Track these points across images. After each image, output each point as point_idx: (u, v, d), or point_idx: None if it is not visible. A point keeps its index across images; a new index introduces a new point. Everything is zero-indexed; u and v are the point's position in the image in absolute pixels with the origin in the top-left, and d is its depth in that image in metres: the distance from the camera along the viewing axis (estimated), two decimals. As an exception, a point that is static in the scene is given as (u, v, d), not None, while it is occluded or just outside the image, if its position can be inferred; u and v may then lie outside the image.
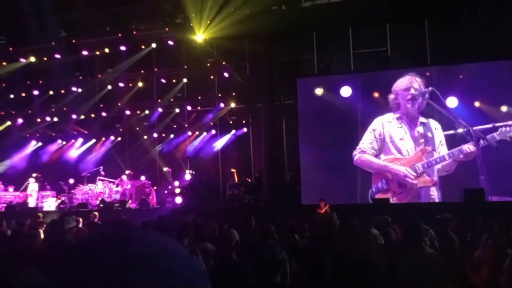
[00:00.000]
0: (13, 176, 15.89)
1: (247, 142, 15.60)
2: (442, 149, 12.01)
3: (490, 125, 11.46)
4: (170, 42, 14.92)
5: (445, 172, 11.89)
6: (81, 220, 7.95)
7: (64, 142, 17.27)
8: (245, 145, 15.58)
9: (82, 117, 16.56)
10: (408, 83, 12.04)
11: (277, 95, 14.53)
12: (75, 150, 17.05)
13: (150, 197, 14.17)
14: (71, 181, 15.15)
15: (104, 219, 8.42)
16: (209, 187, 14.03)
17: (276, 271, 3.53)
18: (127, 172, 14.95)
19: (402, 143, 12.20)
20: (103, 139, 16.84)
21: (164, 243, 0.58)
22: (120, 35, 15.11)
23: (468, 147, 11.44)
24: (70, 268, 0.54)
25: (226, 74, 15.23)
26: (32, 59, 15.60)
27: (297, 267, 2.82)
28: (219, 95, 15.72)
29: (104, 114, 16.46)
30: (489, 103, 11.83)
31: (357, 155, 12.47)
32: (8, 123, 16.98)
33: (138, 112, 16.34)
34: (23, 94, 16.62)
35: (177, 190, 13.83)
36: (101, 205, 13.25)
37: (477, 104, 11.92)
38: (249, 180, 14.03)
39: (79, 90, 16.32)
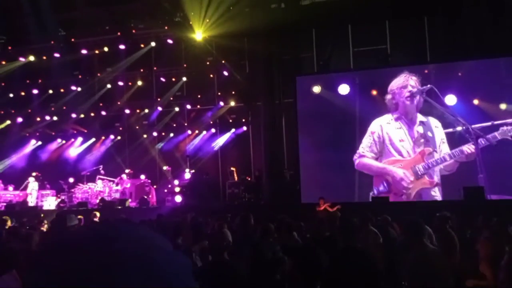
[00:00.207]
0: (13, 175, 15.91)
1: (246, 140, 15.61)
2: (443, 148, 11.93)
3: (489, 123, 11.42)
4: (169, 41, 14.91)
5: (447, 172, 11.83)
6: (82, 218, 7.99)
7: (63, 141, 17.29)
8: (244, 143, 15.58)
9: (82, 116, 16.57)
10: (404, 81, 12.00)
11: (276, 94, 14.52)
12: (75, 149, 17.05)
13: (150, 196, 14.18)
14: (71, 180, 15.17)
15: (104, 218, 8.43)
16: (208, 185, 14.02)
17: (275, 269, 3.54)
18: (127, 171, 14.97)
19: (402, 145, 12.15)
20: (103, 138, 16.85)
21: (150, 240, 0.58)
22: (119, 34, 15.11)
23: (469, 148, 11.39)
24: (55, 267, 0.54)
25: (225, 73, 15.23)
26: (32, 58, 15.60)
27: (291, 265, 2.82)
28: (219, 93, 15.72)
29: (103, 113, 16.47)
30: (488, 100, 11.80)
31: (357, 159, 12.45)
32: (8, 122, 16.99)
33: (138, 111, 16.35)
34: (23, 93, 16.63)
35: (177, 189, 13.84)
36: (101, 204, 13.26)
37: (476, 101, 11.88)
38: (249, 179, 14.03)
39: (79, 89, 16.33)
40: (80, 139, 17.10)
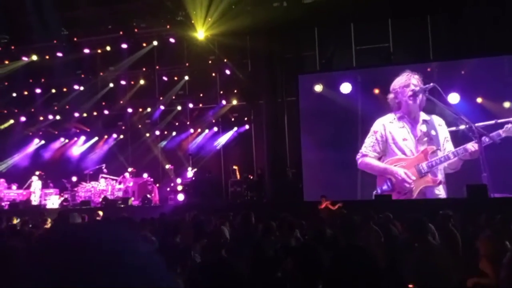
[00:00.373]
0: (16, 174, 15.99)
1: (249, 139, 15.61)
2: (447, 146, 11.87)
3: (492, 122, 11.35)
4: (172, 40, 14.91)
5: (451, 170, 11.77)
6: (86, 217, 8.03)
7: (66, 140, 17.34)
8: (247, 142, 15.59)
9: (85, 115, 16.60)
10: (407, 79, 11.94)
11: (279, 92, 14.50)
12: (78, 148, 17.11)
13: (153, 195, 14.21)
14: (74, 178, 15.23)
15: (106, 216, 8.45)
16: (211, 184, 14.04)
17: (276, 267, 3.54)
18: (129, 169, 15.00)
19: (405, 144, 12.10)
20: (106, 137, 16.89)
21: (124, 241, 0.57)
22: (121, 33, 15.13)
23: (473, 146, 11.31)
24: (28, 267, 0.54)
25: (227, 71, 15.22)
26: (34, 57, 15.65)
27: (292, 264, 2.82)
28: (221, 92, 15.72)
29: (106, 112, 16.50)
30: (491, 99, 11.73)
31: (359, 159, 12.41)
32: (11, 121, 17.06)
33: (140, 109, 16.37)
34: (26, 93, 16.68)
35: (179, 187, 13.84)
36: (104, 203, 13.30)
37: (479, 100, 11.82)
38: (251, 177, 14.02)
39: (81, 88, 16.37)
40: (83, 138, 17.15)
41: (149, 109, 16.31)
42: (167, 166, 15.68)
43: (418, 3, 12.68)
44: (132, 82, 16.36)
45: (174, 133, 16.39)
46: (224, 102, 15.52)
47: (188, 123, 16.27)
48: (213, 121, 15.89)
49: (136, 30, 15.10)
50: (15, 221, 7.89)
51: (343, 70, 13.90)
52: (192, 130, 16.16)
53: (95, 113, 16.63)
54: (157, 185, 15.01)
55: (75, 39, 15.46)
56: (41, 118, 16.97)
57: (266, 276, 3.45)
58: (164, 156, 16.11)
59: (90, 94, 16.40)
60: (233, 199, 13.52)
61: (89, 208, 12.39)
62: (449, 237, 5.13)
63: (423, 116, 12.08)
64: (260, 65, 14.48)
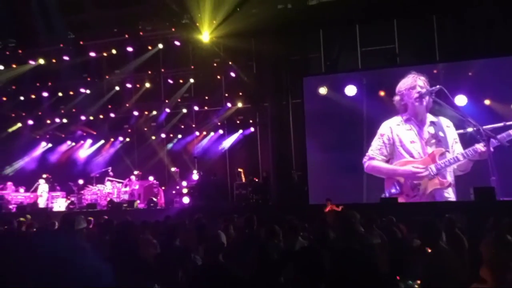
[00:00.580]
0: (23, 177, 16.11)
1: (254, 141, 15.58)
2: (456, 148, 11.71)
3: (501, 124, 11.15)
4: (177, 43, 14.94)
5: (461, 172, 11.60)
6: (92, 220, 8.03)
7: (73, 143, 17.45)
8: (252, 144, 15.56)
9: (91, 118, 16.69)
10: (413, 82, 11.81)
11: (284, 94, 14.48)
12: (84, 151, 17.20)
13: (158, 197, 14.23)
14: (80, 181, 15.31)
15: (109, 219, 8.45)
16: (216, 187, 14.02)
17: (280, 271, 3.50)
18: (135, 172, 15.05)
19: (413, 146, 11.96)
20: (112, 140, 16.97)
21: (65, 249, 0.55)
22: (127, 36, 15.20)
23: (482, 146, 11.17)
24: None
25: (233, 74, 15.22)
26: (41, 61, 15.77)
27: (295, 267, 2.79)
28: (226, 95, 15.72)
29: (112, 115, 16.58)
30: (499, 101, 11.57)
31: (366, 162, 12.29)
32: (19, 124, 17.20)
33: (146, 112, 16.43)
34: (33, 96, 16.82)
35: (185, 190, 13.85)
36: (110, 205, 13.33)
37: (487, 102, 11.67)
38: (257, 180, 13.98)
39: (88, 91, 16.46)
40: (89, 141, 17.24)
41: (154, 112, 16.36)
42: (173, 169, 15.69)
43: (423, 3, 12.57)
44: (138, 85, 16.41)
45: (179, 136, 16.42)
46: (229, 104, 15.52)
47: (193, 125, 16.30)
48: (219, 123, 15.89)
49: (141, 33, 15.16)
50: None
51: (349, 72, 13.82)
52: (197, 133, 16.17)
53: (101, 116, 16.71)
54: (163, 188, 15.02)
55: (81, 42, 15.56)
56: (48, 122, 17.10)
57: (270, 280, 3.42)
58: (169, 159, 16.13)
59: (96, 97, 16.49)
60: (239, 202, 13.49)
61: (95, 211, 12.43)
62: (455, 241, 5.05)
63: (430, 117, 11.94)
64: (265, 68, 14.46)
